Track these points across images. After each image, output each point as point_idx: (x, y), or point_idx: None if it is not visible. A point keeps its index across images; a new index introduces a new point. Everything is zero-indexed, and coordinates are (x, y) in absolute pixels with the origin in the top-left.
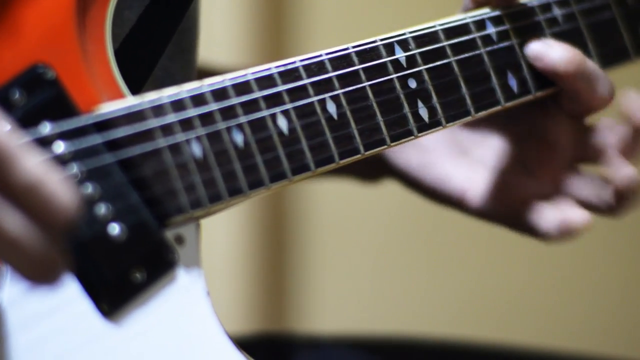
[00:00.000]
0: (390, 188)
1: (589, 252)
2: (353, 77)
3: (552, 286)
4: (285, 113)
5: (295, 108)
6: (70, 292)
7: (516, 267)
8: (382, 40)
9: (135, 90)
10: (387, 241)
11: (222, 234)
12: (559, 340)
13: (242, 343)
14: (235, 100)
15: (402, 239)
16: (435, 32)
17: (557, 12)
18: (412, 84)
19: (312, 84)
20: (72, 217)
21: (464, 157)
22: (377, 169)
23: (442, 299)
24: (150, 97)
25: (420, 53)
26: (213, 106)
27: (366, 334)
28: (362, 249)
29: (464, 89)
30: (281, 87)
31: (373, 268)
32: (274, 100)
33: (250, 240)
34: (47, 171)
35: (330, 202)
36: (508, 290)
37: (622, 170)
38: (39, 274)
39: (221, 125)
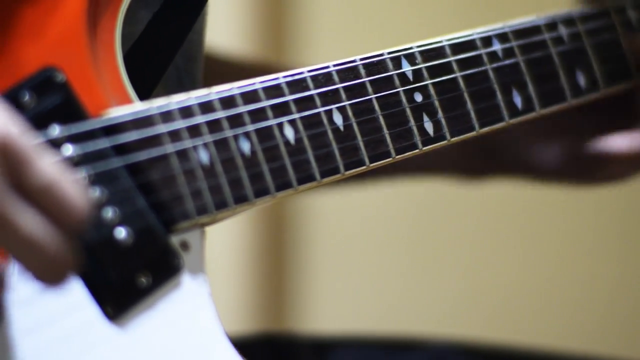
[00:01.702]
0: (390, 189)
1: (589, 253)
2: (360, 89)
3: (553, 286)
4: (292, 123)
5: (302, 118)
6: (76, 297)
7: (516, 268)
8: (389, 53)
9: (147, 91)
10: (387, 241)
11: (223, 234)
12: (559, 340)
13: (243, 343)
14: (242, 109)
15: (402, 239)
16: (442, 47)
17: (563, 31)
18: (418, 97)
19: (319, 94)
20: (85, 217)
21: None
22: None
23: (442, 298)
24: (158, 103)
25: (426, 67)
26: (221, 114)
27: (366, 333)
28: (362, 249)
29: (469, 105)
30: (289, 97)
31: (373, 268)
32: (281, 109)
33: (251, 240)
34: (61, 172)
35: (330, 203)
36: (508, 290)
37: None
38: (50, 273)
39: (228, 132)
